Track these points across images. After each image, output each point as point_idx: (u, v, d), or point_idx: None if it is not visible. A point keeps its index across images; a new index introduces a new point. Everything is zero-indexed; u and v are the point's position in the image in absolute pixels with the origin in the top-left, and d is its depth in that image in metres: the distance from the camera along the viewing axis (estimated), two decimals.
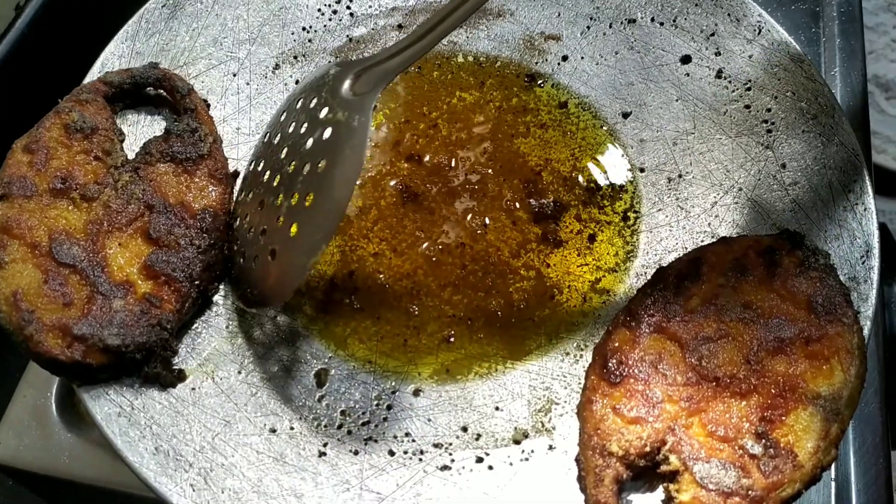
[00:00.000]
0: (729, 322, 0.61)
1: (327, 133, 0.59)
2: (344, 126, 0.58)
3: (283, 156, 0.63)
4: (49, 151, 0.64)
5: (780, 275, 0.62)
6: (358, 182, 0.74)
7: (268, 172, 0.64)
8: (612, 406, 0.59)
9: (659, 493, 0.58)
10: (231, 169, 0.71)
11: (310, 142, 0.60)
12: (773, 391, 0.58)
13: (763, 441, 0.56)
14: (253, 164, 0.69)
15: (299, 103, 0.65)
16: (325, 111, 0.61)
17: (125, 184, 0.65)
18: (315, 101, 0.63)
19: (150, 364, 0.60)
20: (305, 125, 0.62)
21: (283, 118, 0.66)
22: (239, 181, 0.71)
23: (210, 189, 0.67)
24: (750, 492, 0.54)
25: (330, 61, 0.80)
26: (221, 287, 0.67)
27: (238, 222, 0.66)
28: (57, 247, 0.61)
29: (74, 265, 0.60)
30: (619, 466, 0.57)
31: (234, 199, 0.69)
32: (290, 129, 0.64)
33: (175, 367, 0.62)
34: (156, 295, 0.61)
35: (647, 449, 0.57)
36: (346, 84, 0.61)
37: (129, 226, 0.64)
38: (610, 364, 0.61)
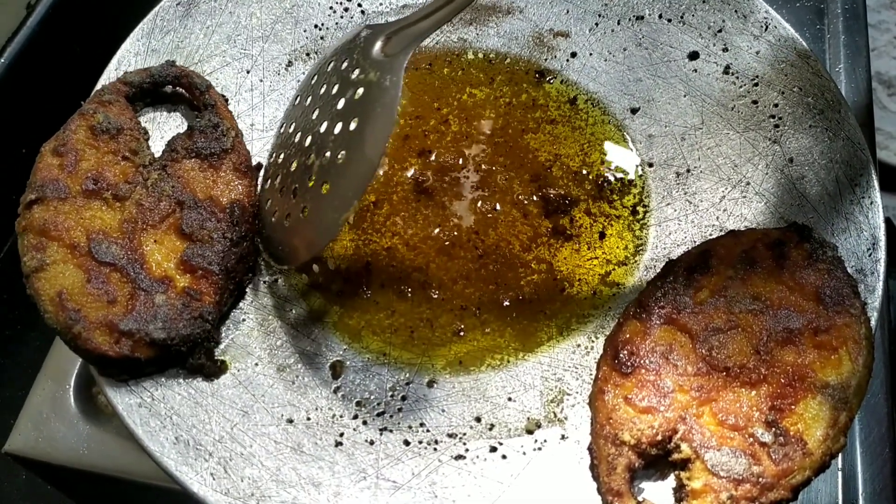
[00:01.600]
0: (738, 313, 0.62)
1: (359, 93, 0.60)
2: (376, 86, 0.59)
3: (314, 117, 0.64)
4: (78, 153, 0.65)
5: (788, 267, 0.63)
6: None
7: (299, 134, 0.66)
8: (624, 396, 0.60)
9: (670, 481, 0.59)
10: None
11: (341, 102, 0.61)
12: (783, 380, 0.59)
13: (773, 429, 0.57)
14: (284, 126, 0.70)
15: (330, 66, 0.66)
16: (356, 72, 0.62)
17: (155, 182, 0.66)
18: (346, 63, 0.64)
19: (193, 356, 0.62)
20: (337, 86, 0.63)
21: (313, 81, 0.67)
22: (259, 151, 0.72)
23: (236, 182, 0.68)
24: (760, 479, 0.55)
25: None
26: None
27: (269, 183, 0.68)
28: (96, 246, 0.62)
29: (114, 263, 0.62)
30: (631, 455, 0.58)
31: (266, 161, 0.71)
32: (322, 91, 0.65)
33: (217, 359, 0.64)
34: (195, 288, 0.63)
35: (659, 438, 0.58)
36: (378, 46, 0.63)
37: (162, 223, 0.65)
38: (621, 355, 0.62)
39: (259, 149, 0.74)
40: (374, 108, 0.58)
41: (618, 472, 0.58)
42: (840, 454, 0.71)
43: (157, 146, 0.70)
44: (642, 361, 0.61)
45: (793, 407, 0.57)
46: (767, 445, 0.56)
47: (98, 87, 0.72)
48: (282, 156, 0.67)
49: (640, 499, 0.58)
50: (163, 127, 0.72)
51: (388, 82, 0.59)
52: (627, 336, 0.63)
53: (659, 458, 0.59)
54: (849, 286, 0.62)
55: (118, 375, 0.60)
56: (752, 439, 0.57)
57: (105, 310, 0.60)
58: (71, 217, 0.62)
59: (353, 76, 0.62)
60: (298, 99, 0.69)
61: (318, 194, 0.60)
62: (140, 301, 0.61)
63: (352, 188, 0.57)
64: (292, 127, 0.68)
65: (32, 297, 0.60)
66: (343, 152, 0.59)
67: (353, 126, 0.59)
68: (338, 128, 0.60)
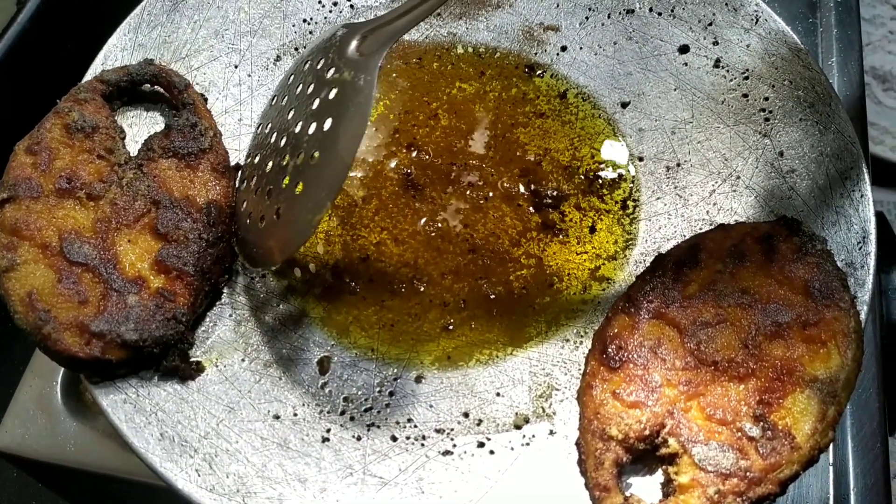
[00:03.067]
0: (727, 307, 0.62)
1: (333, 93, 0.60)
2: (350, 85, 0.59)
3: (289, 117, 0.64)
4: (52, 152, 0.64)
5: (777, 260, 0.63)
6: (360, 174, 0.75)
7: (275, 134, 0.65)
8: (612, 391, 0.60)
9: (658, 476, 0.58)
10: (232, 162, 0.71)
11: (316, 102, 0.61)
12: (771, 375, 0.58)
13: (761, 423, 0.56)
14: (260, 126, 0.70)
15: (307, 65, 0.65)
16: (331, 72, 0.61)
17: (130, 181, 0.66)
18: (322, 62, 0.63)
19: (168, 358, 0.61)
20: (312, 86, 0.63)
21: (290, 80, 0.67)
22: (246, 147, 0.72)
23: (213, 182, 0.67)
24: (748, 473, 0.54)
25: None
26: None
27: (245, 185, 0.67)
28: (68, 246, 0.61)
29: (87, 263, 0.61)
30: (618, 450, 0.58)
31: (244, 161, 0.70)
32: (298, 91, 0.64)
33: (193, 360, 0.63)
34: (169, 289, 0.62)
35: (647, 432, 0.58)
36: (353, 45, 0.62)
37: (136, 222, 0.64)
38: (609, 349, 0.62)
39: (246, 144, 0.74)
40: (347, 107, 0.58)
41: (605, 466, 0.57)
42: (830, 449, 0.71)
43: (135, 146, 0.70)
44: (630, 356, 0.61)
45: (781, 401, 0.57)
46: (755, 440, 0.56)
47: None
48: (258, 157, 0.67)
49: (627, 494, 0.57)
50: (141, 126, 0.72)
51: (361, 81, 0.59)
52: (616, 330, 0.63)
53: (647, 453, 0.59)
54: (838, 279, 0.62)
55: (90, 377, 0.60)
56: (739, 433, 0.56)
57: (76, 310, 0.59)
58: (43, 216, 0.62)
59: (328, 75, 0.62)
60: (276, 99, 0.68)
61: (291, 195, 0.59)
62: (112, 302, 0.60)
63: (325, 189, 0.57)
64: (269, 127, 0.67)
65: (2, 297, 0.59)
66: (317, 153, 0.58)
67: (326, 126, 0.58)
68: (312, 128, 0.60)
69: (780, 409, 0.57)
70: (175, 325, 0.61)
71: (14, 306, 0.58)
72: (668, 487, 0.57)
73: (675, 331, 0.62)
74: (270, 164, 0.64)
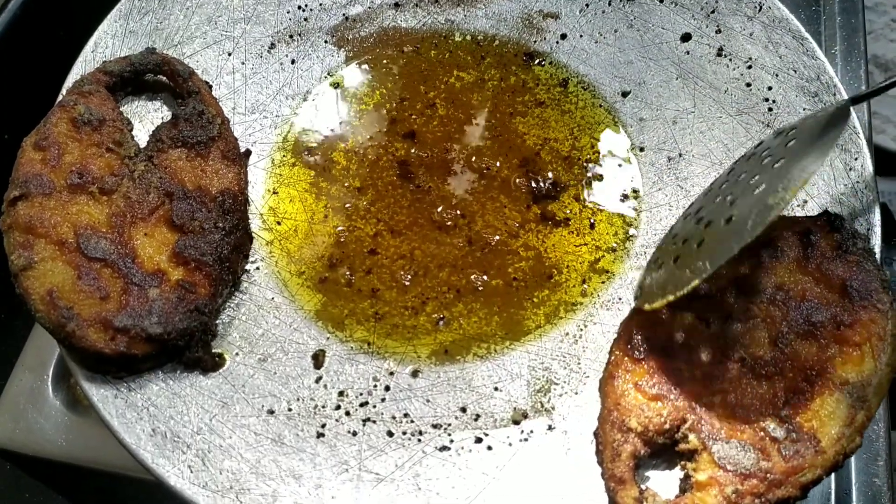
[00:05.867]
0: (759, 303, 0.60)
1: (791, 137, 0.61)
2: (817, 117, 0.61)
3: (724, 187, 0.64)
4: (60, 147, 0.63)
5: (815, 257, 0.61)
6: (356, 165, 0.74)
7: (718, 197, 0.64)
8: (634, 382, 0.59)
9: (677, 472, 0.57)
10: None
11: (770, 158, 0.62)
12: (800, 375, 0.57)
13: (786, 425, 0.55)
14: (687, 217, 0.67)
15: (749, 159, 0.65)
16: (792, 132, 0.62)
17: (141, 173, 0.65)
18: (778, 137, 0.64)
19: (190, 349, 0.60)
20: (767, 152, 0.63)
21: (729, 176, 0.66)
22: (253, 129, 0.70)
23: (224, 170, 0.67)
24: (769, 475, 0.53)
25: (326, 41, 0.79)
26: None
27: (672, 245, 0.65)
28: (85, 242, 0.60)
29: (105, 259, 0.60)
30: (637, 442, 0.56)
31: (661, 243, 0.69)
32: (741, 175, 0.64)
33: (215, 352, 0.62)
34: (189, 281, 0.61)
35: (667, 426, 0.57)
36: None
37: (151, 215, 0.64)
38: (634, 340, 0.60)
39: (241, 133, 0.73)
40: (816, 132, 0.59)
41: (622, 458, 0.56)
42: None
43: (141, 137, 0.69)
44: (655, 348, 0.60)
45: (808, 403, 0.55)
46: (778, 441, 0.54)
47: (75, 70, 0.70)
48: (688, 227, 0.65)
49: (643, 487, 0.56)
50: (145, 117, 0.70)
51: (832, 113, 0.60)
52: (642, 321, 0.61)
53: (666, 448, 0.57)
54: (878, 280, 0.59)
55: (116, 373, 0.59)
56: (763, 433, 0.55)
57: (98, 306, 0.58)
58: (57, 213, 0.61)
59: (788, 137, 0.62)
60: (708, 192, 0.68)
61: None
62: (133, 296, 0.59)
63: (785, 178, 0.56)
64: (698, 209, 0.66)
65: (22, 297, 0.58)
66: (778, 162, 0.59)
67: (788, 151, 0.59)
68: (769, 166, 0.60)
69: (807, 410, 0.55)
70: (198, 316, 0.60)
71: (35, 305, 0.57)
72: (686, 484, 0.55)
73: (703, 324, 0.60)
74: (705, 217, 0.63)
